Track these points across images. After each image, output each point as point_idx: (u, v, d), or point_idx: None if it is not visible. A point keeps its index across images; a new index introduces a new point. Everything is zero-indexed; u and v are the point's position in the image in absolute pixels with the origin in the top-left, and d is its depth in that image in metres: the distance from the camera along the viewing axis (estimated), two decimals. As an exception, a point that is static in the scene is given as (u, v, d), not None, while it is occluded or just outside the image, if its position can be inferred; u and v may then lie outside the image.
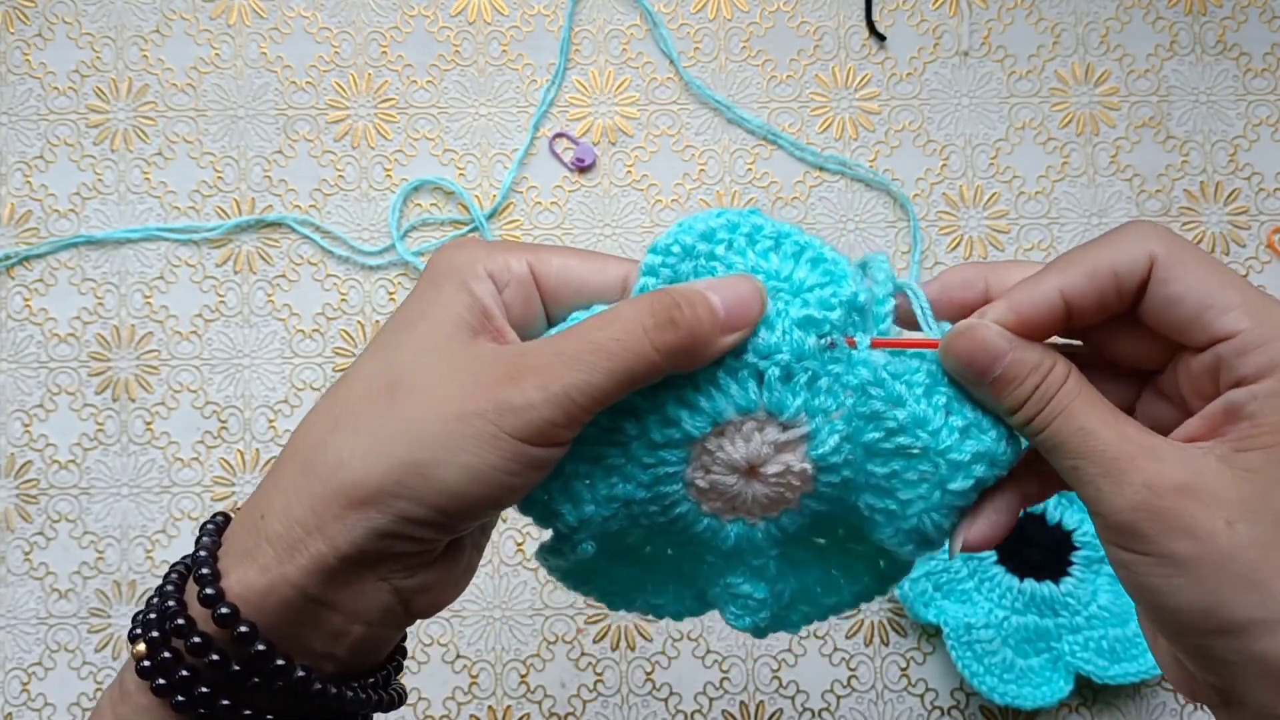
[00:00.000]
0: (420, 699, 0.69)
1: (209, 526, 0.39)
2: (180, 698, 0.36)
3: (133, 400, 0.71)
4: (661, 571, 0.43)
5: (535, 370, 0.35)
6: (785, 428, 0.38)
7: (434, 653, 0.69)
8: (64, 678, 0.69)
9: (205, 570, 0.36)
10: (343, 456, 0.35)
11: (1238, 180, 0.73)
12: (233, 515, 0.39)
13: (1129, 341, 0.37)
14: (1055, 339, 0.38)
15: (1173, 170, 0.73)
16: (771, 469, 0.38)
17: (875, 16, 0.74)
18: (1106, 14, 0.74)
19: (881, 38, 0.74)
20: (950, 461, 0.38)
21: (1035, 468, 0.39)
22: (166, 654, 0.36)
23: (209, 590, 0.36)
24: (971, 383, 0.37)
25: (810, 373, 0.37)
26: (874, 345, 0.38)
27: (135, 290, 0.72)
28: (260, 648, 0.35)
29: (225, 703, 0.36)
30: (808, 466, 0.38)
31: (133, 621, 0.38)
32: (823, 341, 0.37)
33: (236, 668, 0.36)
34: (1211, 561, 0.33)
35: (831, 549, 0.43)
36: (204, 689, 0.36)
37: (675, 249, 0.38)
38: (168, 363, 0.71)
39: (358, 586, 0.36)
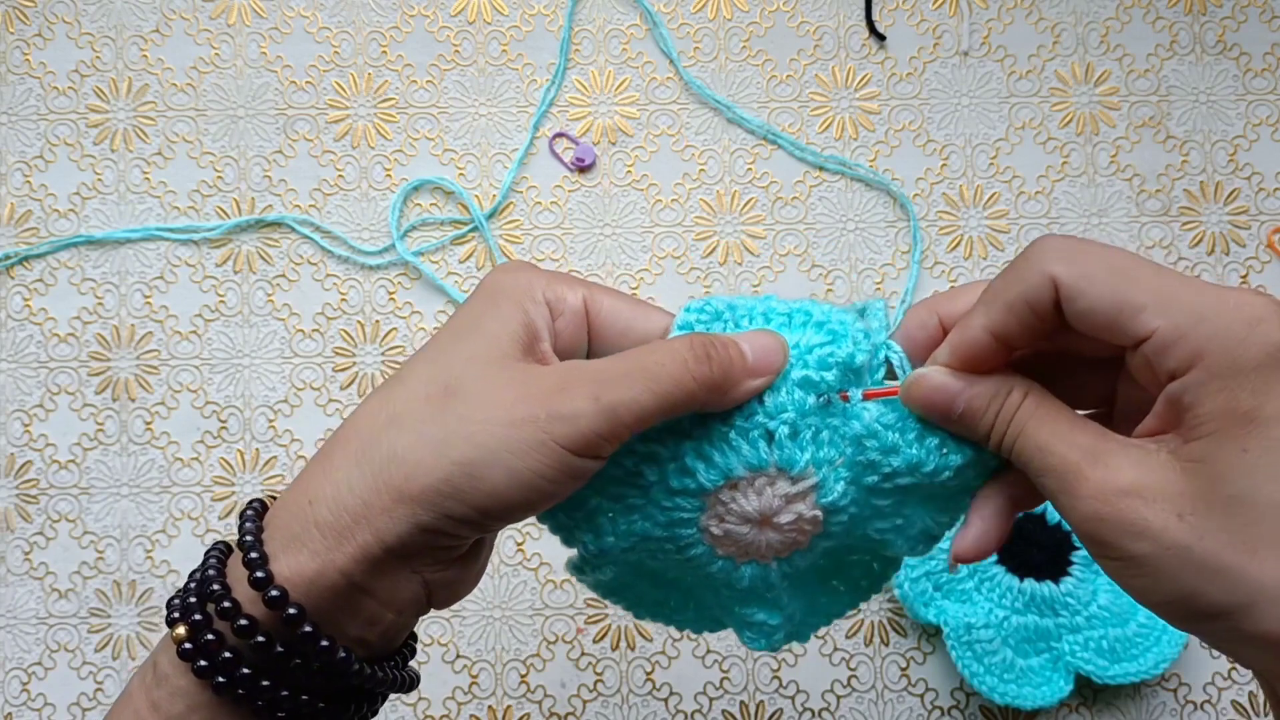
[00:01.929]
0: (420, 699, 0.69)
1: (249, 513, 0.40)
2: (221, 679, 0.37)
3: (133, 400, 0.71)
4: (681, 594, 0.46)
5: (586, 383, 0.37)
6: (795, 480, 0.40)
7: (434, 653, 0.69)
8: (64, 678, 0.69)
9: (254, 554, 0.37)
10: (397, 451, 0.37)
11: (1238, 180, 0.73)
12: (269, 502, 0.41)
13: (1080, 341, 0.38)
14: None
15: (1173, 170, 0.73)
16: (784, 519, 0.40)
17: (875, 16, 0.74)
18: (1106, 14, 0.74)
19: (881, 38, 0.74)
20: (950, 487, 0.41)
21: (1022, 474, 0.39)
22: (210, 636, 0.37)
23: (259, 574, 0.37)
24: (944, 423, 0.39)
25: (814, 428, 0.40)
26: (865, 397, 0.40)
27: (135, 290, 0.72)
28: (307, 629, 0.37)
29: (265, 684, 0.37)
30: (818, 513, 0.40)
31: (168, 606, 0.39)
32: (820, 400, 0.40)
33: (280, 649, 0.37)
34: (1172, 556, 0.34)
35: (830, 566, 0.45)
36: (245, 671, 0.37)
37: (708, 309, 0.41)
38: (168, 363, 0.71)
39: (395, 577, 0.38)
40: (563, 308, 0.40)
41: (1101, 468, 0.35)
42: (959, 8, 0.74)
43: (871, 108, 0.73)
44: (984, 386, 0.38)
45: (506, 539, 0.70)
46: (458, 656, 0.69)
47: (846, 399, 0.40)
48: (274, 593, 0.37)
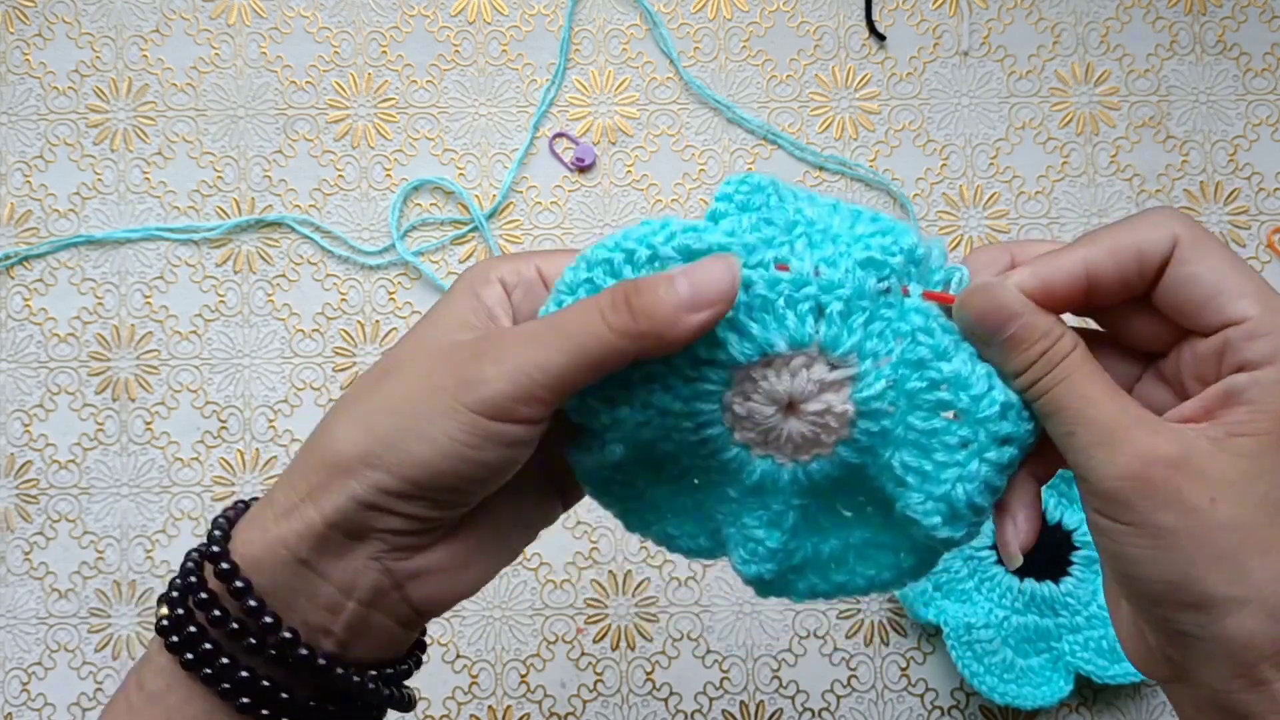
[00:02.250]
0: (420, 699, 0.69)
1: (240, 505, 0.41)
2: (189, 655, 0.38)
3: (133, 400, 0.71)
4: (683, 501, 0.43)
5: (496, 349, 0.37)
6: (834, 366, 0.38)
7: (434, 653, 0.69)
8: (64, 678, 0.69)
9: (217, 531, 0.39)
10: (334, 429, 0.38)
11: (1238, 180, 0.73)
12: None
13: (1139, 323, 0.38)
14: (1070, 318, 0.38)
15: (1173, 170, 0.73)
16: (813, 406, 0.38)
17: (875, 16, 0.74)
18: (1106, 14, 0.74)
19: (881, 38, 0.74)
20: (990, 432, 0.38)
21: (1038, 448, 0.39)
22: (180, 612, 0.38)
23: (215, 548, 0.38)
24: (983, 340, 0.38)
25: (867, 313, 0.38)
26: (925, 297, 0.38)
27: (135, 290, 0.72)
28: (252, 603, 0.37)
29: (224, 661, 0.38)
30: (850, 409, 0.38)
31: (169, 587, 0.40)
32: (881, 284, 0.38)
33: (234, 625, 0.38)
34: (1191, 535, 0.34)
35: (855, 523, 0.42)
36: (208, 645, 0.38)
37: (742, 189, 0.39)
38: (168, 363, 0.71)
39: (348, 559, 0.38)
40: (516, 280, 0.40)
41: (1148, 432, 0.35)
42: (959, 8, 0.74)
43: (871, 108, 0.73)
44: (1043, 319, 0.37)
45: (506, 539, 0.70)
46: (458, 656, 0.69)
47: (908, 293, 0.38)
48: (224, 565, 0.38)
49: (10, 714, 0.69)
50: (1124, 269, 0.36)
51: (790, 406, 0.39)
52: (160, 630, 0.39)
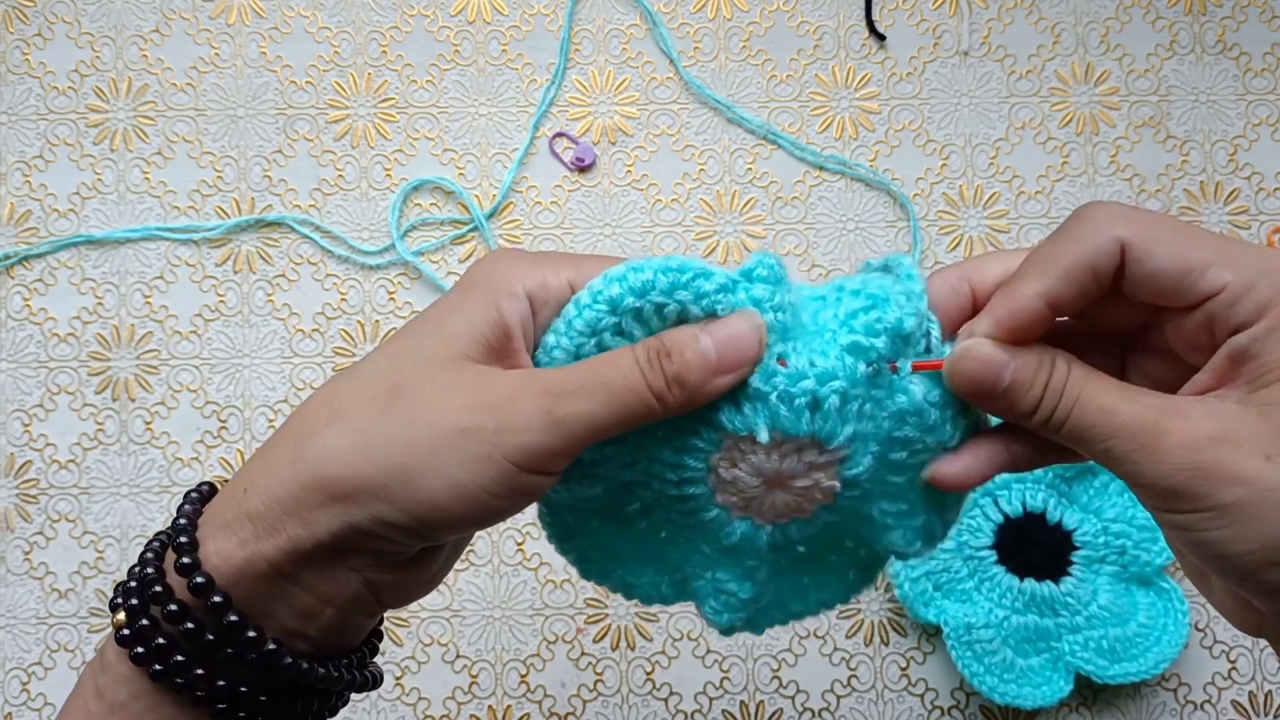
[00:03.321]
0: (420, 699, 0.69)
1: (193, 495, 0.39)
2: (157, 666, 0.36)
3: (133, 400, 0.71)
4: (647, 552, 0.42)
5: (540, 395, 0.35)
6: (825, 451, 0.37)
7: (434, 653, 0.69)
8: (64, 678, 0.69)
9: (184, 539, 0.37)
10: (333, 449, 0.36)
11: (1238, 180, 0.73)
12: (219, 486, 0.39)
13: (1111, 311, 0.38)
14: None
15: (1173, 170, 0.73)
16: (801, 483, 0.38)
17: (875, 16, 0.74)
18: (1106, 14, 0.74)
19: (881, 37, 0.74)
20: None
21: (1023, 432, 0.39)
22: (145, 622, 0.37)
23: (185, 559, 0.36)
24: (984, 400, 0.37)
25: (860, 401, 0.37)
26: (915, 369, 0.38)
27: (135, 290, 0.72)
28: (233, 618, 0.36)
29: (199, 672, 0.36)
30: (836, 485, 0.38)
31: (114, 591, 0.38)
32: (870, 369, 0.37)
33: (210, 637, 0.36)
34: (1264, 499, 0.34)
35: (809, 557, 0.43)
36: (180, 658, 0.36)
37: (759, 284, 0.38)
38: (167, 362, 0.71)
39: (330, 573, 0.37)
40: (546, 296, 0.38)
41: (1181, 419, 0.35)
42: (959, 8, 0.74)
43: (871, 108, 0.73)
44: (1029, 357, 0.37)
45: (506, 538, 0.70)
46: (458, 656, 0.69)
47: (895, 370, 0.38)
48: (199, 579, 0.36)
49: (10, 714, 0.69)
50: (1082, 288, 0.36)
51: (775, 481, 0.38)
52: (122, 641, 0.37)
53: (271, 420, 0.71)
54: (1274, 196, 0.73)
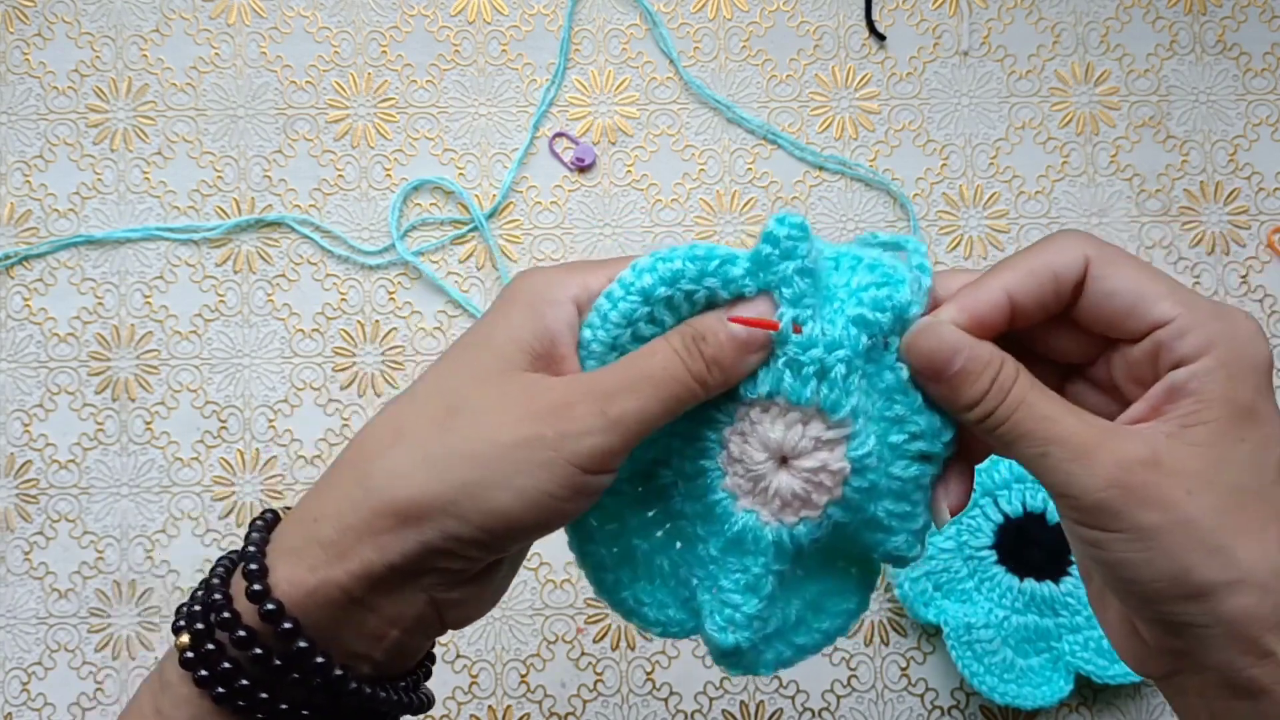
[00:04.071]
0: (420, 699, 0.69)
1: (259, 523, 0.40)
2: (221, 689, 0.37)
3: (133, 400, 0.71)
4: (660, 563, 0.43)
5: (593, 397, 0.36)
6: (830, 426, 0.38)
7: (434, 653, 0.69)
8: (64, 678, 0.69)
9: (254, 565, 0.37)
10: (399, 471, 0.37)
11: (1238, 180, 0.73)
12: (283, 514, 0.40)
13: (1061, 339, 0.39)
14: None
15: (1173, 170, 0.73)
16: (808, 463, 0.39)
17: (875, 16, 0.74)
18: (1106, 14, 0.74)
19: (881, 37, 0.74)
20: (944, 462, 0.40)
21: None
22: (210, 646, 0.37)
23: (256, 586, 0.37)
24: (931, 379, 0.39)
25: (861, 373, 0.38)
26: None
27: (135, 290, 0.72)
28: (302, 644, 0.37)
29: (264, 696, 0.37)
30: (845, 466, 0.39)
31: (176, 614, 0.39)
32: (871, 342, 0.38)
33: (278, 662, 0.37)
34: (1177, 529, 0.35)
35: (807, 579, 0.43)
36: (245, 682, 0.37)
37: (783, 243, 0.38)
38: (167, 362, 0.71)
39: (399, 595, 0.38)
40: (590, 298, 0.39)
41: (1116, 439, 0.36)
42: (959, 8, 0.74)
43: (871, 108, 0.73)
44: (985, 349, 0.38)
45: (506, 539, 0.70)
46: (458, 656, 0.69)
47: (888, 345, 0.39)
48: (269, 606, 0.36)
49: (10, 714, 0.69)
50: (1043, 291, 0.37)
51: (784, 458, 0.39)
52: (187, 664, 0.37)
53: (271, 420, 0.71)
54: (1274, 196, 0.73)
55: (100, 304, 0.72)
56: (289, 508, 0.40)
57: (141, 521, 0.70)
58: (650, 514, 0.42)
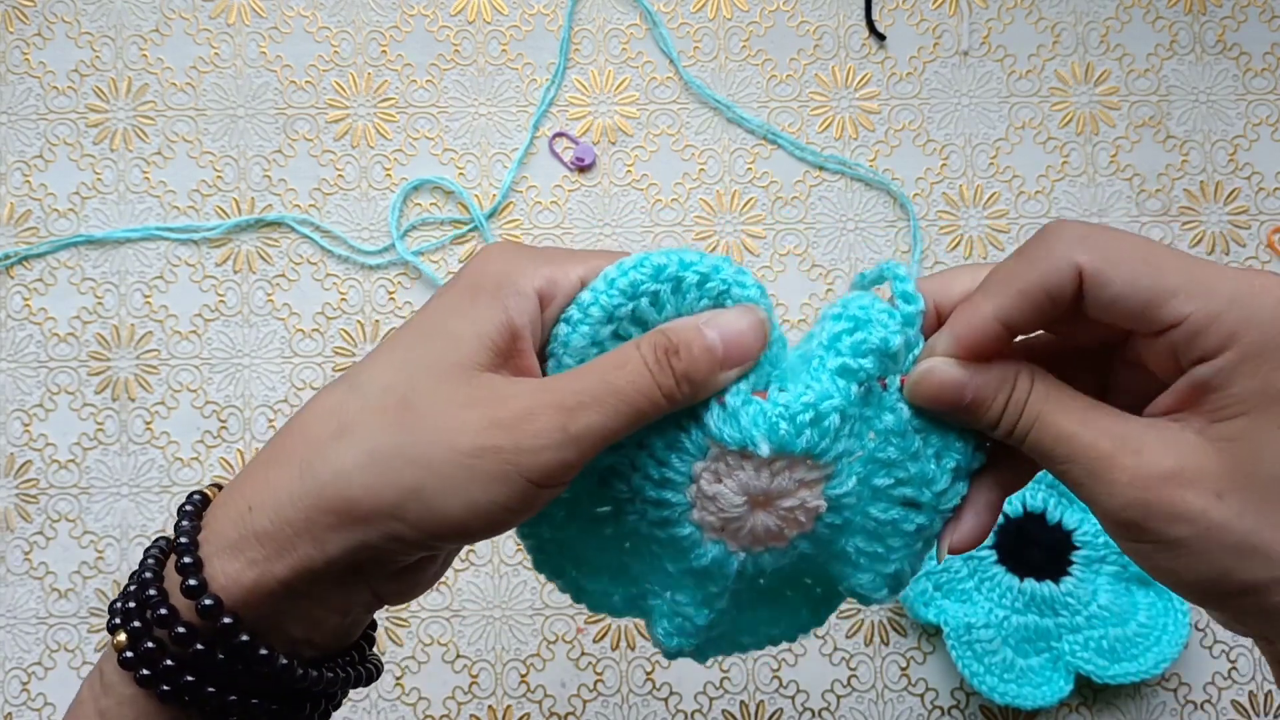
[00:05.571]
0: (420, 699, 0.69)
1: (188, 509, 0.38)
2: (165, 687, 0.36)
3: (132, 400, 0.71)
4: (607, 560, 0.42)
5: (554, 410, 0.35)
6: (814, 468, 0.37)
7: (434, 653, 0.69)
8: (64, 678, 0.69)
9: (187, 559, 0.36)
10: (343, 468, 0.35)
11: (1238, 180, 0.73)
12: (211, 495, 0.39)
13: (1083, 329, 0.38)
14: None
15: (1173, 170, 0.73)
16: (787, 502, 0.38)
17: (875, 16, 0.74)
18: (1106, 14, 0.74)
19: (881, 37, 0.74)
20: (943, 515, 0.39)
21: (1008, 458, 0.39)
22: (150, 644, 0.36)
23: (192, 581, 0.35)
24: (949, 414, 0.38)
25: (853, 420, 0.37)
26: (904, 383, 0.38)
27: (135, 290, 0.72)
28: (244, 638, 0.36)
29: (210, 690, 0.36)
30: (821, 504, 0.38)
31: (110, 611, 0.37)
32: (862, 389, 0.37)
33: (221, 657, 0.36)
34: (1210, 537, 0.34)
35: (768, 590, 0.42)
36: (190, 678, 0.36)
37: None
38: (167, 362, 0.71)
39: (338, 585, 0.37)
40: (554, 293, 0.37)
41: (1134, 454, 0.35)
42: (959, 8, 0.74)
43: (871, 108, 0.73)
44: (991, 375, 0.37)
45: (507, 539, 0.70)
46: (458, 656, 0.69)
47: (885, 386, 0.38)
48: (207, 601, 0.35)
49: (10, 714, 0.69)
50: (1038, 310, 0.36)
51: (763, 501, 0.38)
52: (127, 664, 0.36)
53: (271, 420, 0.71)
54: (1274, 196, 0.73)
55: (100, 304, 0.72)
56: (218, 486, 0.39)
57: (141, 521, 0.70)
58: (600, 510, 0.40)
